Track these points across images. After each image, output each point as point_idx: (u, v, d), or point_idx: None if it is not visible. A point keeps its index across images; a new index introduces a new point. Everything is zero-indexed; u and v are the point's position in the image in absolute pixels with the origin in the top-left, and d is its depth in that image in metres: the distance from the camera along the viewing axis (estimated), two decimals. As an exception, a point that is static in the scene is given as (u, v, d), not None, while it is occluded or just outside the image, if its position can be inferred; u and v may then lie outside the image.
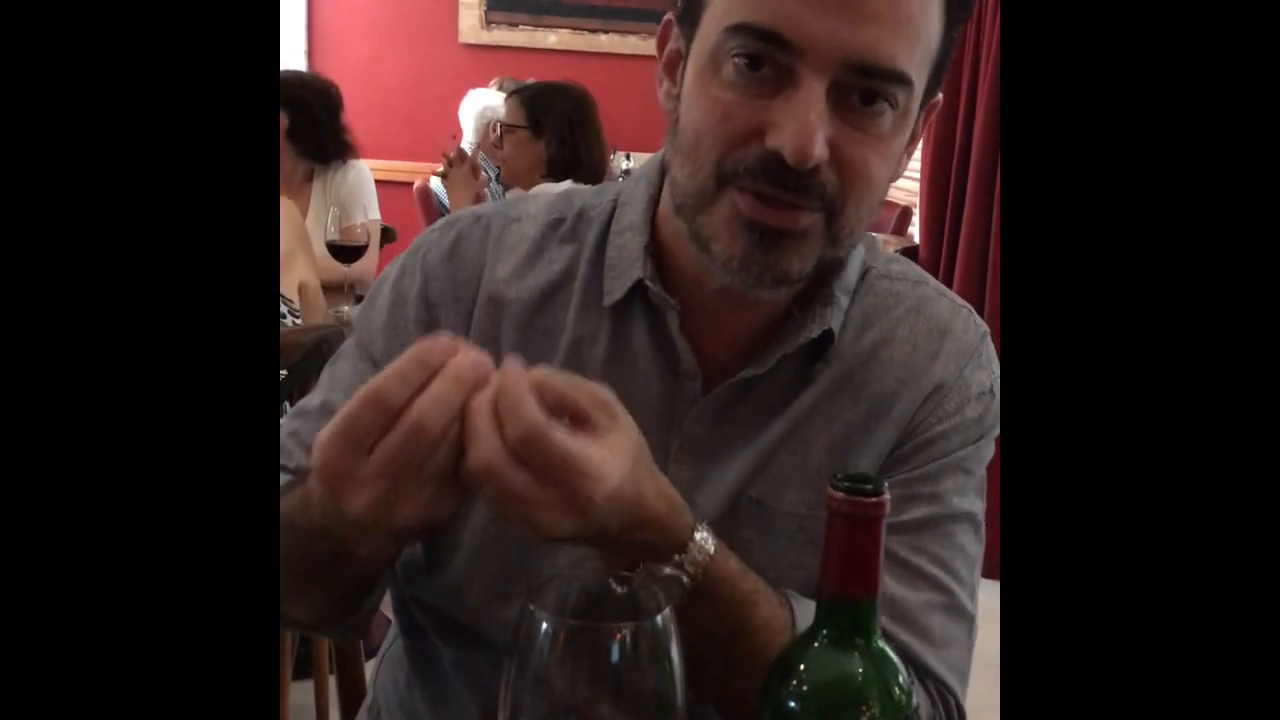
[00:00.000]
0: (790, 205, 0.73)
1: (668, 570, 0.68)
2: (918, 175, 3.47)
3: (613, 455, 0.62)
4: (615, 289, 0.82)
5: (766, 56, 0.70)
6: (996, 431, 0.87)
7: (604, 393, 0.64)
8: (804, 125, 0.69)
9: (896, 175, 0.80)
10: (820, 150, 0.70)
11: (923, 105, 0.77)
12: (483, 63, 4.87)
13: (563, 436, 0.60)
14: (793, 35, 0.69)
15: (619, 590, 0.68)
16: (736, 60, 0.71)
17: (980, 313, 0.89)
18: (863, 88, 0.71)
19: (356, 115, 3.23)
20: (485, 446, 0.59)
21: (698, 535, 0.69)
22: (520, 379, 0.60)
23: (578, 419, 0.62)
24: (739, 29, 0.71)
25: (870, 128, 0.73)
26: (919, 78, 0.73)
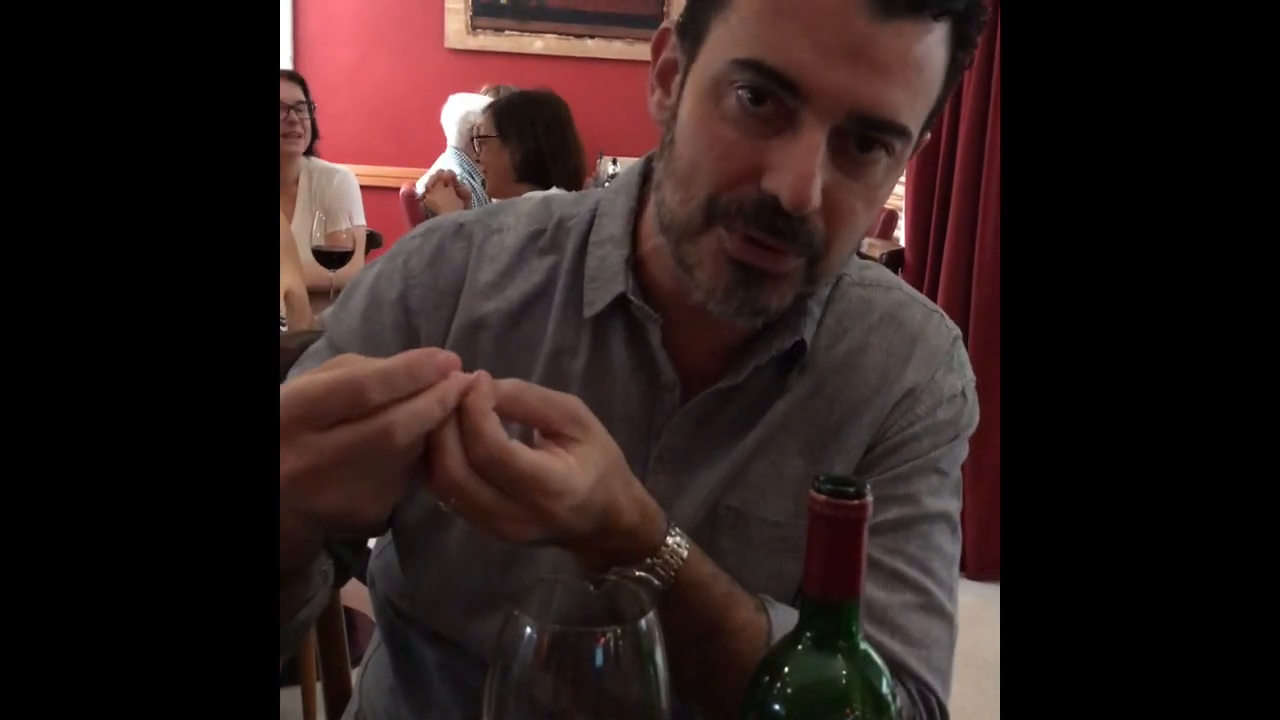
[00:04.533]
0: (777, 249, 0.73)
1: (639, 574, 0.68)
2: (903, 179, 3.48)
3: (581, 467, 0.62)
4: (596, 300, 0.82)
5: (771, 94, 0.70)
6: (970, 433, 0.88)
7: (577, 406, 0.64)
8: (803, 172, 0.69)
9: (881, 210, 0.80)
10: (816, 198, 0.70)
11: (914, 146, 0.77)
12: (468, 68, 4.87)
13: (527, 455, 0.60)
14: (802, 81, 0.68)
15: (594, 591, 0.68)
16: (740, 93, 0.70)
17: (966, 315, 0.90)
18: (862, 135, 0.71)
19: (342, 120, 3.24)
20: (450, 463, 0.59)
21: (670, 540, 0.70)
22: (483, 399, 0.60)
23: (550, 432, 0.63)
24: (748, 64, 0.70)
25: (864, 176, 0.73)
26: (917, 126, 0.74)
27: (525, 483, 0.60)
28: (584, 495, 0.62)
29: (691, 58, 0.75)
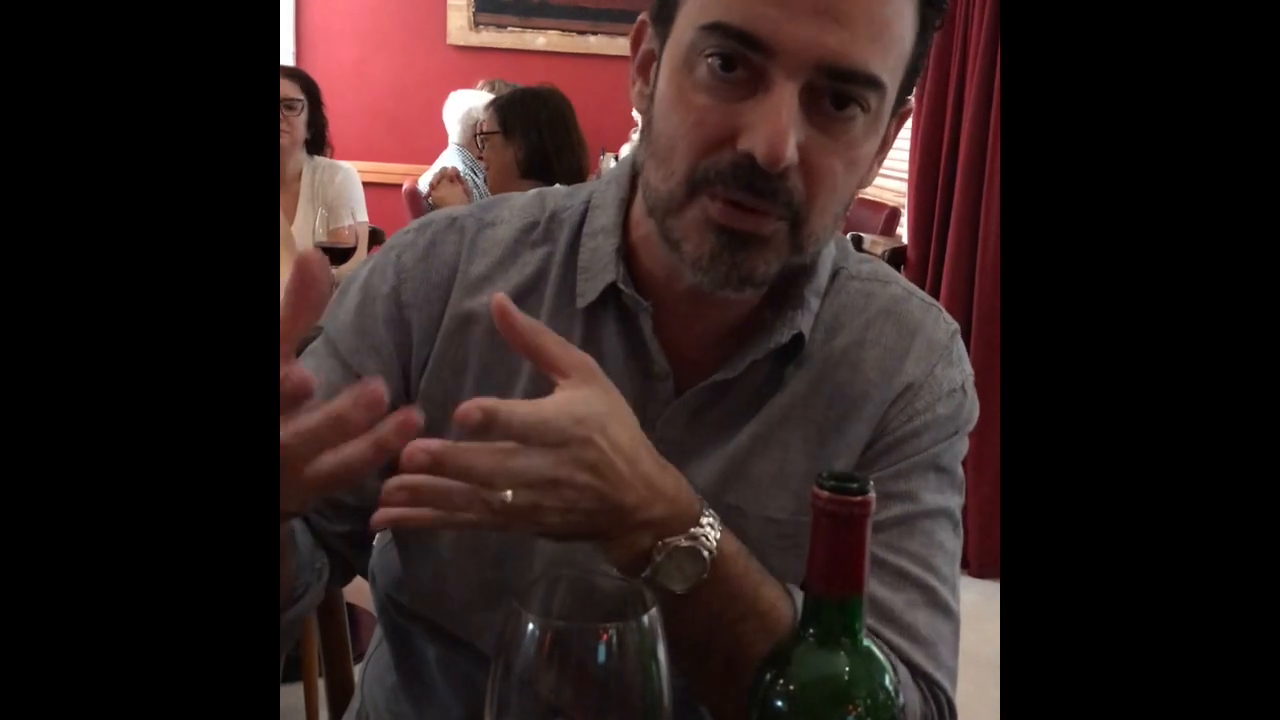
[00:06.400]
0: (759, 210, 0.73)
1: (685, 542, 0.68)
2: (905, 176, 3.48)
3: (581, 392, 0.65)
4: (588, 291, 0.82)
5: (739, 57, 0.70)
6: (970, 428, 0.87)
7: (586, 359, 0.67)
8: (776, 128, 0.69)
9: (866, 182, 0.80)
10: (791, 153, 0.70)
11: (894, 112, 0.78)
12: (471, 64, 4.87)
13: (519, 407, 0.63)
14: (766, 37, 0.69)
15: (597, 588, 0.66)
16: (710, 60, 0.71)
17: (968, 312, 0.89)
18: (835, 91, 0.71)
19: (345, 117, 3.23)
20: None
21: (706, 510, 0.70)
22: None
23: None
24: (713, 28, 0.71)
25: (841, 134, 0.73)
26: (891, 82, 0.74)
27: (532, 423, 0.62)
28: (601, 414, 0.65)
29: (665, 40, 0.76)
